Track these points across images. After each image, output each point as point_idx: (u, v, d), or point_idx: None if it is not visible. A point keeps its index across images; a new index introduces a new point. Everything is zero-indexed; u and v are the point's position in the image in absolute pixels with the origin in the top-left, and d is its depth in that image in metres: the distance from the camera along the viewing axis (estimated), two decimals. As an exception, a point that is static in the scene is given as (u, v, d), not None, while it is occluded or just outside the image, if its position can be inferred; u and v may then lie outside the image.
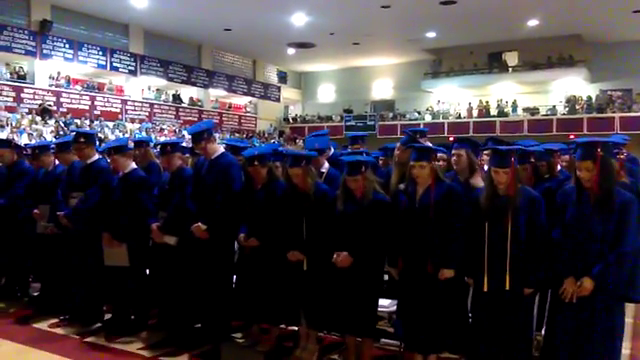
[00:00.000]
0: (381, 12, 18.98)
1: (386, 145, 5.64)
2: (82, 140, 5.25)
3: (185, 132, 18.81)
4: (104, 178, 5.15)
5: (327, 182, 4.54)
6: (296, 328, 4.55)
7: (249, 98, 27.70)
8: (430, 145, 4.32)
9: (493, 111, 24.82)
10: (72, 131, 10.17)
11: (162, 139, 15.48)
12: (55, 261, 5.42)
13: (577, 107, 23.20)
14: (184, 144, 6.28)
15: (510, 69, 25.00)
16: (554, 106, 23.75)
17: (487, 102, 25.25)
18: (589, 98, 23.39)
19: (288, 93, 30.34)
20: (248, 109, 28.00)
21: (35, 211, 5.62)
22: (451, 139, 4.50)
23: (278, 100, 29.31)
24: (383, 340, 4.56)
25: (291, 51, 25.32)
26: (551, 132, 21.31)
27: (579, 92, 23.78)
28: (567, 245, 3.45)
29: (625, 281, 3.46)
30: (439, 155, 4.20)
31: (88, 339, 4.86)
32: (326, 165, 4.87)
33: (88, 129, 15.37)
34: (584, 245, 3.39)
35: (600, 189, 3.33)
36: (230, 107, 27.22)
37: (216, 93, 25.93)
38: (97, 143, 5.71)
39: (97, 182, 5.13)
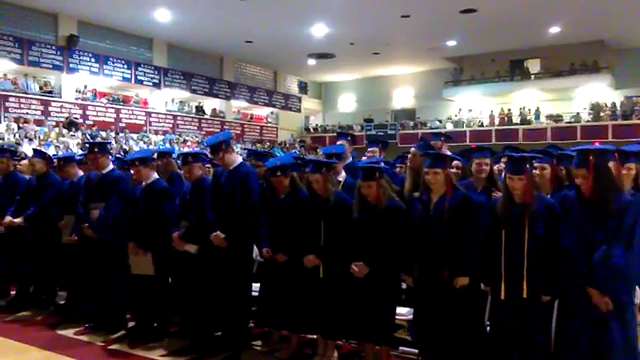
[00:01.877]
0: (401, 22, 19.00)
1: (404, 152, 5.65)
2: (96, 150, 5.42)
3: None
4: (122, 187, 5.29)
5: (344, 190, 4.58)
6: (315, 336, 4.58)
7: (270, 109, 27.93)
8: (447, 152, 4.33)
9: (515, 119, 24.53)
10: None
11: (185, 150, 15.69)
12: (80, 270, 5.54)
13: (602, 114, 22.81)
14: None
15: (532, 76, 24.68)
16: (578, 113, 23.39)
17: (509, 110, 25.00)
18: (614, 105, 23.02)
19: (309, 103, 30.50)
20: (269, 120, 28.20)
21: (61, 222, 5.78)
22: (473, 147, 4.53)
23: (299, 110, 29.52)
24: (401, 348, 4.55)
25: (311, 62, 25.46)
26: (575, 139, 20.94)
27: (603, 99, 23.38)
28: (571, 252, 3.42)
29: (620, 284, 3.29)
30: (454, 163, 4.21)
31: (112, 346, 4.95)
32: (343, 174, 4.91)
33: (108, 141, 15.60)
34: (584, 251, 3.35)
35: (595, 196, 3.32)
36: (252, 118, 27.47)
37: (238, 104, 26.21)
38: (122, 154, 5.86)
39: (115, 191, 5.27)
